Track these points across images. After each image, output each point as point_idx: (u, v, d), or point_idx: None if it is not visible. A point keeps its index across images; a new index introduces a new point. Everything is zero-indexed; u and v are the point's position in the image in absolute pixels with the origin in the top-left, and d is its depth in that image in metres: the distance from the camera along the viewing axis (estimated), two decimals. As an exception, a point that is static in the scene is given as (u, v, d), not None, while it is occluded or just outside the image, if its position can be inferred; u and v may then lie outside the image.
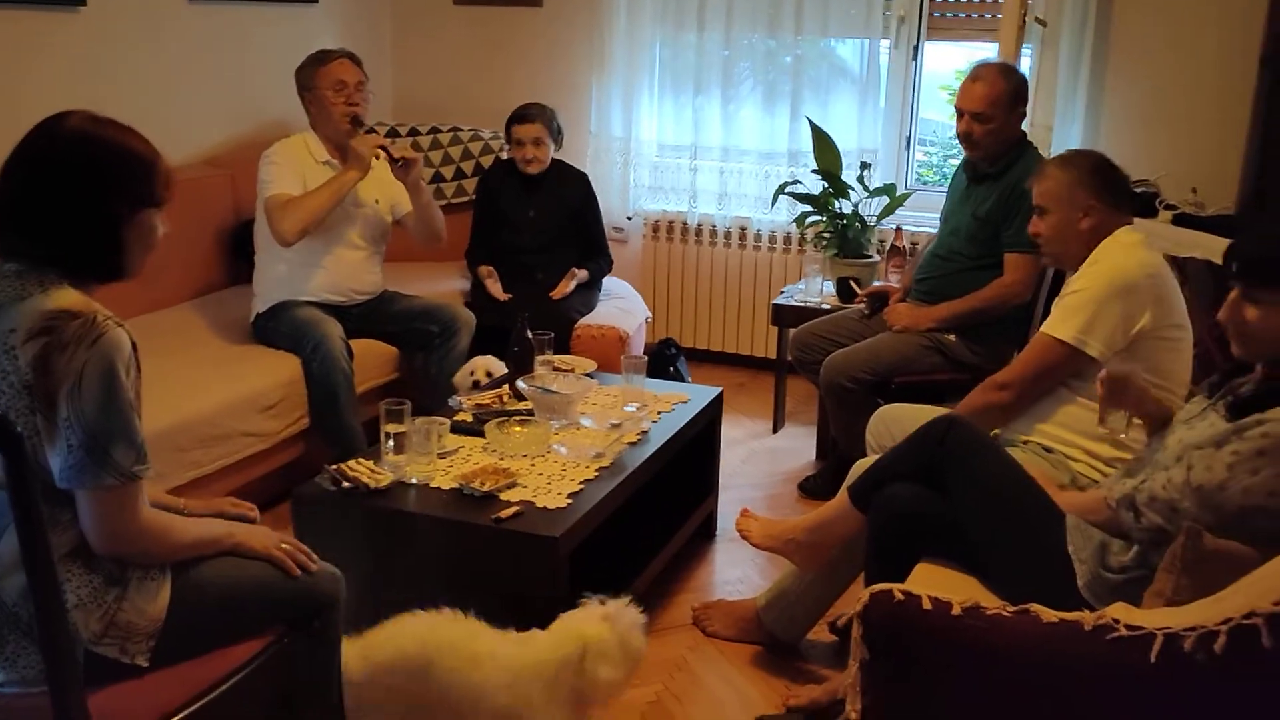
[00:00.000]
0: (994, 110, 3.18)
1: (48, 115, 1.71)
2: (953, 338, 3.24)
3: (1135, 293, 2.38)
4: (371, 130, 3.55)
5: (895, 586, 1.62)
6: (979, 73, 3.25)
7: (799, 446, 4.01)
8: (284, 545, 1.89)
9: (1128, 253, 2.43)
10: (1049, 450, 2.45)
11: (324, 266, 3.50)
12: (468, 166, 4.60)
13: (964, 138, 3.25)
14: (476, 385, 3.11)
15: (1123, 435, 2.24)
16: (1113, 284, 2.39)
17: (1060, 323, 2.45)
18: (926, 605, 1.59)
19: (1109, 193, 2.50)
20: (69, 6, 3.52)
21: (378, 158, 3.45)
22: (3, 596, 1.63)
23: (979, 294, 3.22)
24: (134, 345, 1.66)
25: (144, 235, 1.74)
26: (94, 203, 1.67)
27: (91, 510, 1.63)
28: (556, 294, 3.91)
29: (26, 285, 1.64)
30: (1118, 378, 2.18)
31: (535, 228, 4.04)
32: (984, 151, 3.23)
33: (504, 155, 4.44)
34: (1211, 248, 3.16)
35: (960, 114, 3.24)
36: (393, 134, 4.49)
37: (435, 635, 2.07)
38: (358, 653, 2.05)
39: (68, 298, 1.64)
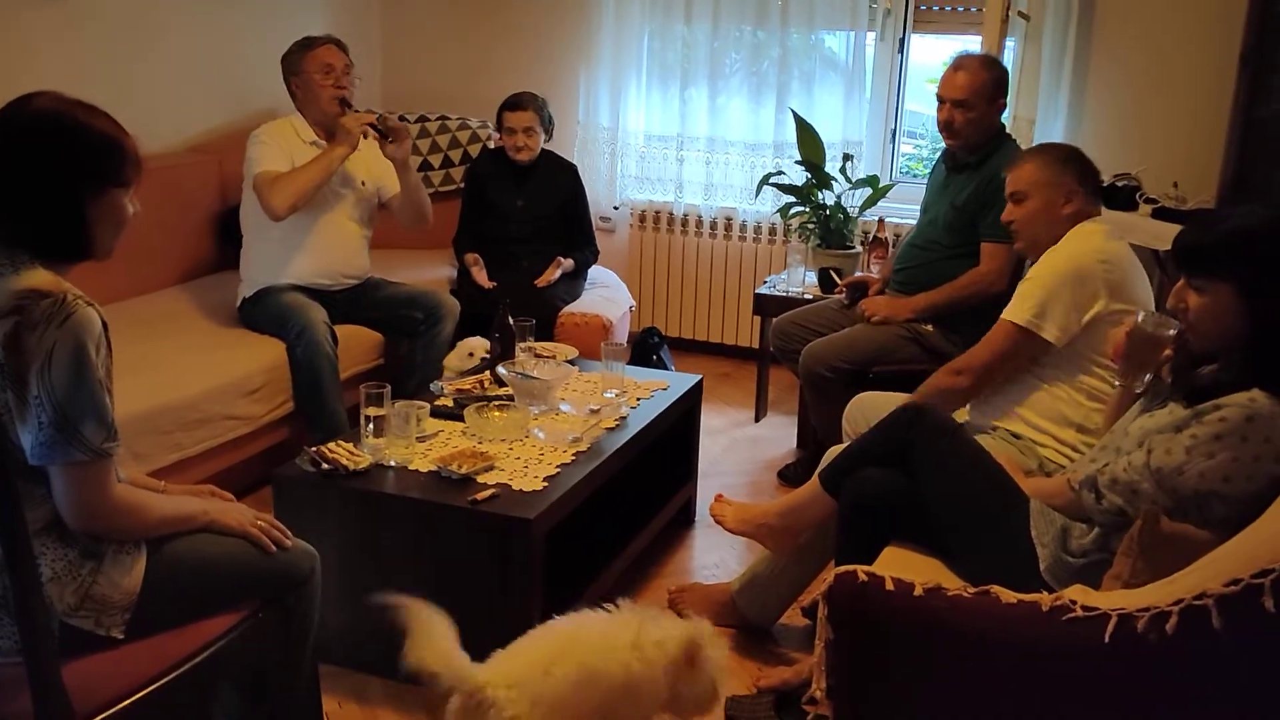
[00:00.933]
0: (974, 99, 3.21)
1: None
2: (930, 328, 3.27)
3: (1088, 279, 2.42)
4: (356, 111, 3.57)
5: (860, 568, 1.65)
6: (961, 62, 3.28)
7: (780, 435, 4.04)
8: (259, 522, 1.92)
9: (1084, 240, 2.48)
10: (1017, 437, 2.48)
11: (314, 248, 3.52)
12: (455, 155, 4.61)
13: (944, 125, 3.28)
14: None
15: (1138, 390, 2.16)
16: (1066, 270, 2.45)
17: (1014, 307, 2.51)
18: (889, 586, 1.62)
19: (1087, 180, 2.56)
20: (55, -10, 3.53)
21: (365, 136, 3.48)
22: (-22, 570, 1.66)
23: (955, 283, 3.25)
24: (105, 325, 1.68)
25: (112, 215, 1.74)
26: (57, 181, 1.68)
27: (64, 486, 1.66)
28: (541, 282, 3.93)
29: None
30: (1145, 337, 2.12)
31: (523, 217, 4.06)
32: (963, 140, 3.26)
33: (492, 144, 4.47)
34: None
35: (941, 102, 3.27)
36: (402, 119, 4.52)
37: (603, 653, 1.89)
38: (532, 698, 1.81)
39: (38, 278, 1.65)
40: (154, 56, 3.93)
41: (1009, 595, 1.58)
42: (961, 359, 2.64)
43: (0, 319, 1.61)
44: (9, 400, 1.61)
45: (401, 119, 4.56)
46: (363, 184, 3.62)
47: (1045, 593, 1.60)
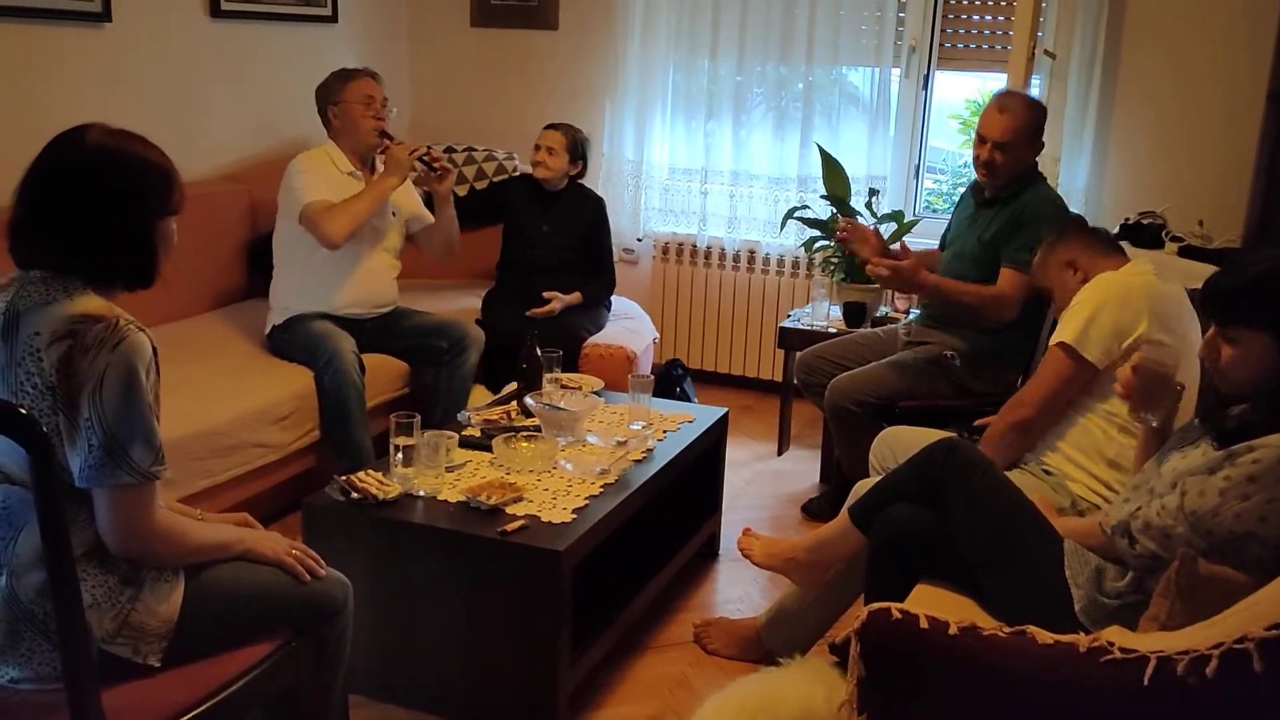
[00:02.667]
0: (1016, 140, 3.18)
1: (64, 129, 1.76)
2: (958, 362, 3.26)
3: (1129, 303, 2.44)
4: (401, 142, 3.63)
5: (893, 605, 1.64)
6: (1005, 102, 3.23)
7: (803, 469, 4.03)
8: (294, 551, 1.93)
9: (1133, 272, 2.52)
10: (1049, 473, 2.48)
11: (348, 278, 3.55)
12: (481, 186, 4.65)
13: (985, 164, 3.22)
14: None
15: (1154, 424, 2.18)
16: (1108, 294, 2.48)
17: (1060, 329, 2.53)
18: (924, 624, 1.61)
19: (1086, 240, 2.64)
20: (95, 22, 3.59)
21: (414, 169, 3.53)
22: (19, 595, 1.67)
23: (976, 288, 3.19)
24: (154, 349, 1.71)
25: (166, 242, 1.80)
26: (128, 214, 1.73)
27: (108, 509, 1.67)
28: (537, 313, 3.86)
29: (51, 291, 1.69)
30: (1154, 374, 2.13)
31: (548, 244, 4.09)
32: (1000, 179, 3.25)
33: (516, 173, 4.52)
34: None
35: (983, 141, 3.22)
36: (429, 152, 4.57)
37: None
38: None
39: (91, 303, 1.69)
40: (189, 86, 3.99)
41: (1046, 636, 1.56)
42: (1021, 392, 2.66)
43: (54, 343, 1.64)
44: (59, 423, 1.64)
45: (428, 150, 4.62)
46: (393, 215, 3.67)
47: (1081, 634, 1.59)
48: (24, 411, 1.49)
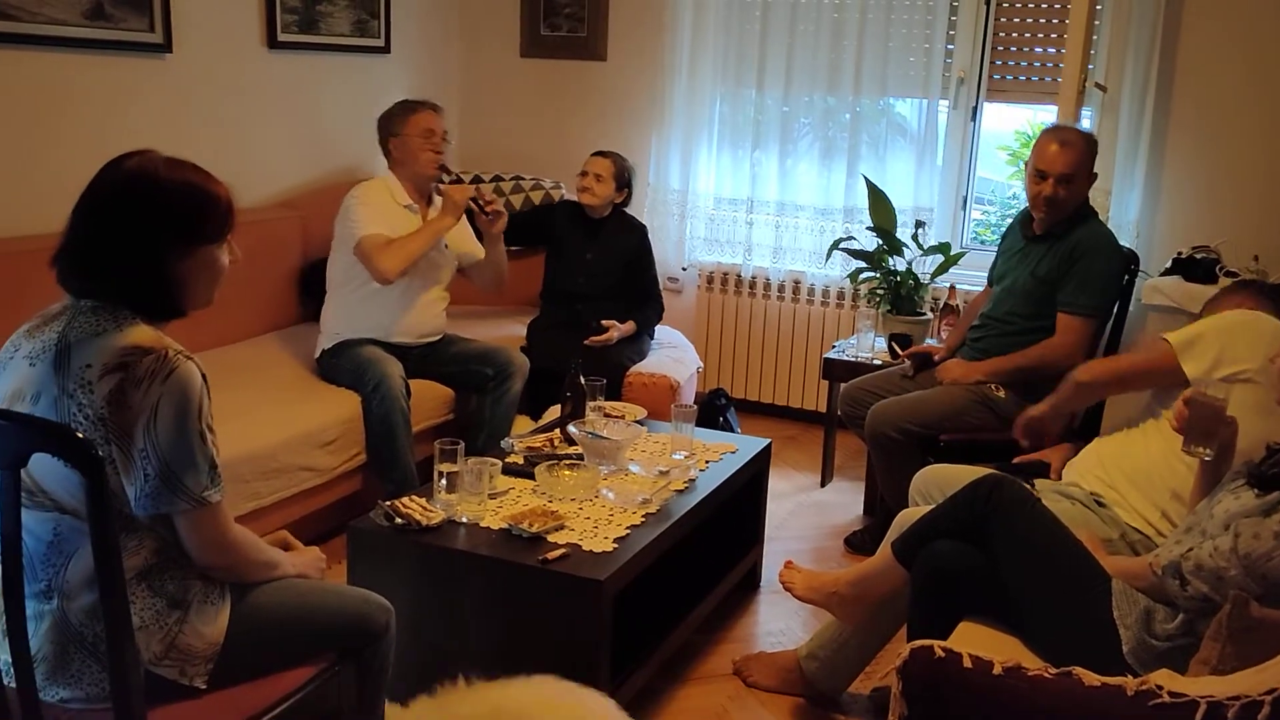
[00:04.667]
0: (1079, 173, 3.17)
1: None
2: (1003, 393, 3.22)
3: (1255, 334, 2.39)
4: (458, 179, 3.69)
5: (936, 643, 1.62)
6: (1063, 135, 3.22)
7: (847, 501, 4.00)
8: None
9: (1264, 314, 2.47)
10: (1101, 504, 2.43)
11: (398, 307, 3.61)
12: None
13: (1046, 200, 3.19)
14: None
15: (1207, 457, 2.17)
16: (1239, 318, 2.45)
17: (1175, 330, 2.50)
18: (967, 663, 1.59)
19: (1257, 295, 2.62)
20: (156, 53, 3.69)
21: (470, 210, 3.62)
22: (70, 617, 1.70)
23: (1026, 352, 3.21)
24: (204, 377, 1.74)
25: (204, 270, 1.78)
26: (146, 242, 1.72)
27: (183, 531, 1.74)
28: (593, 341, 3.91)
29: (101, 321, 1.71)
30: (1206, 406, 2.11)
31: (591, 270, 4.11)
32: (1062, 214, 3.21)
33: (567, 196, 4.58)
34: None
35: (1044, 177, 3.18)
36: (477, 179, 4.64)
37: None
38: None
39: (140, 334, 1.71)
40: (247, 115, 4.08)
41: (1092, 678, 1.54)
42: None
43: (105, 375, 1.66)
44: (112, 453, 1.67)
45: (475, 178, 4.68)
46: (445, 247, 3.72)
47: (1129, 676, 1.56)
48: (80, 435, 1.53)
